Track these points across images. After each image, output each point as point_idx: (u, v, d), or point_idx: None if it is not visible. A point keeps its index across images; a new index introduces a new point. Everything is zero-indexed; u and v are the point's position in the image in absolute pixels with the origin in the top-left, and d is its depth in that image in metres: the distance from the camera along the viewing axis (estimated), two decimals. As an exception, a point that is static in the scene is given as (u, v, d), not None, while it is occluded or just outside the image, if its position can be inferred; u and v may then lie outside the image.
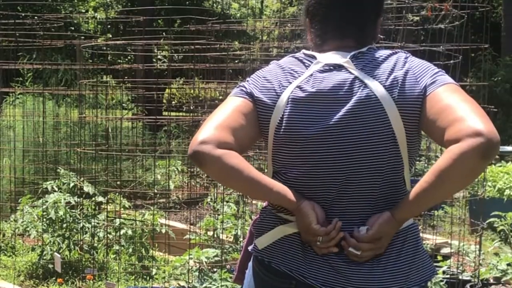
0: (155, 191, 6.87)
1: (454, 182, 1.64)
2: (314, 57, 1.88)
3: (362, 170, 1.77)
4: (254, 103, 1.86)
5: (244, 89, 1.89)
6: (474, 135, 1.58)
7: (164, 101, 15.67)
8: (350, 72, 1.80)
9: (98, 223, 5.30)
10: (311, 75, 1.83)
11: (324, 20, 1.92)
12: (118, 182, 6.61)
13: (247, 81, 1.93)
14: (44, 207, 5.28)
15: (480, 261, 4.72)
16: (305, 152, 1.80)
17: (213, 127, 1.76)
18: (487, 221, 5.50)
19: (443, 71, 1.84)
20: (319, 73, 1.83)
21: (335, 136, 1.77)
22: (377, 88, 1.76)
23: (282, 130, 1.82)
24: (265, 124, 1.85)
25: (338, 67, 1.82)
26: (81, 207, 5.32)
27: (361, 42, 1.89)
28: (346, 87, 1.78)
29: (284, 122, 1.81)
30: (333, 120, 1.77)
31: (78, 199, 5.39)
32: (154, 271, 5.02)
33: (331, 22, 1.91)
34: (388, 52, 1.86)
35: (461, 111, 1.64)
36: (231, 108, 1.83)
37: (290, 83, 1.83)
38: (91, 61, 10.19)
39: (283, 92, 1.83)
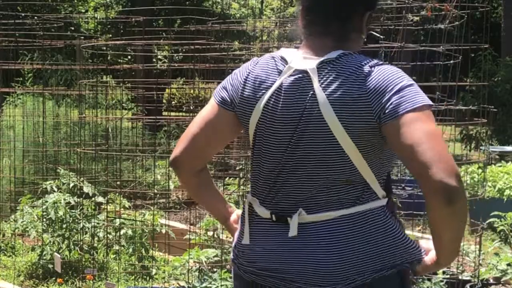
0: (155, 191, 6.87)
1: (450, 235, 1.77)
2: (286, 61, 1.91)
3: (313, 180, 1.86)
4: (234, 111, 1.97)
5: (223, 94, 2.00)
6: (436, 194, 1.67)
7: (164, 101, 15.67)
8: (311, 84, 1.84)
9: (98, 223, 5.30)
10: (280, 86, 1.89)
11: (310, 11, 1.95)
12: (118, 182, 6.60)
13: (229, 83, 2.01)
14: (44, 207, 5.28)
15: (480, 261, 4.72)
16: (267, 161, 1.93)
17: (184, 149, 2.02)
18: (487, 221, 5.50)
19: (409, 85, 1.79)
20: (286, 86, 1.88)
21: (290, 151, 1.87)
22: (327, 107, 1.80)
23: (256, 137, 1.94)
24: (246, 127, 1.97)
25: (306, 74, 1.86)
26: (81, 207, 5.32)
27: (342, 41, 1.90)
28: (305, 104, 1.84)
29: (257, 131, 1.93)
30: (290, 136, 1.86)
31: (78, 199, 5.38)
32: (154, 271, 5.02)
33: (316, 14, 1.93)
34: (355, 65, 1.84)
35: (421, 158, 1.68)
36: (205, 119, 2.01)
37: (264, 92, 1.91)
38: (91, 61, 10.17)
39: (258, 101, 1.91)
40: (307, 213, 1.86)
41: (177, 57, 12.90)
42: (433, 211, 1.71)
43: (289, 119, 1.86)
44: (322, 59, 1.86)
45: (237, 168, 8.05)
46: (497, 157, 9.35)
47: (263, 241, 1.94)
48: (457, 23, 4.70)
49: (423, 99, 1.77)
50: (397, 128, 1.74)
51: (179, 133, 10.14)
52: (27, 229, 5.43)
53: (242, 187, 6.12)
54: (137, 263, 5.19)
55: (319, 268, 1.83)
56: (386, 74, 1.81)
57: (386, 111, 1.76)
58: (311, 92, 1.84)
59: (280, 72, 1.90)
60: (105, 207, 5.29)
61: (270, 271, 1.90)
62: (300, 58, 1.90)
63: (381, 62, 1.86)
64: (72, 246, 5.25)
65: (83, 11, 20.57)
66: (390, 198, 1.92)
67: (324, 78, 1.83)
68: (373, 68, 1.82)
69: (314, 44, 1.92)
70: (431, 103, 1.79)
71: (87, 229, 5.29)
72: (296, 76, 1.87)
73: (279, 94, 1.88)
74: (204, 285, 4.14)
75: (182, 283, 4.51)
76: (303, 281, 1.85)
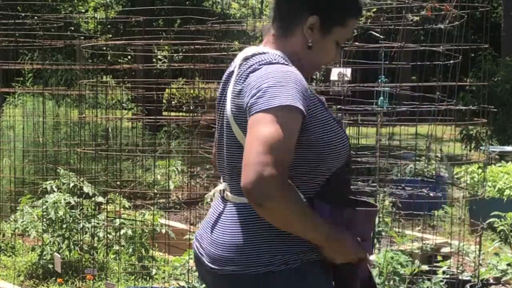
0: (155, 191, 6.87)
1: (289, 231, 1.82)
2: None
3: (230, 166, 1.98)
4: None
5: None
6: (245, 195, 1.72)
7: (164, 101, 15.66)
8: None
9: (98, 223, 5.30)
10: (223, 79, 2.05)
11: (271, 9, 2.08)
12: (118, 182, 6.60)
13: None
14: (44, 207, 5.28)
15: (480, 261, 4.72)
16: (216, 144, 2.09)
17: (214, 149, 2.15)
18: (487, 221, 5.50)
19: (271, 86, 1.79)
20: (223, 80, 2.04)
21: (220, 138, 2.03)
22: (228, 103, 1.94)
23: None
24: None
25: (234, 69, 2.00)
26: (81, 207, 5.32)
27: (280, 40, 1.98)
28: (225, 96, 1.99)
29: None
30: (219, 125, 2.03)
31: (78, 199, 5.38)
32: (154, 271, 5.02)
33: (271, 11, 2.06)
34: (255, 62, 1.90)
35: (243, 160, 1.73)
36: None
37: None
38: (91, 61, 10.18)
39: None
40: (230, 192, 1.98)
41: (177, 57, 12.91)
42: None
43: (219, 109, 2.03)
44: (244, 55, 1.96)
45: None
46: (497, 157, 9.33)
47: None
48: (457, 23, 4.70)
49: (279, 101, 1.75)
50: (249, 124, 1.79)
51: (179, 133, 10.16)
52: (27, 229, 5.43)
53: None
54: (137, 263, 5.18)
55: (213, 246, 1.95)
56: (261, 73, 1.85)
57: (247, 108, 1.82)
58: (225, 93, 1.99)
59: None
60: (105, 207, 5.29)
61: (198, 240, 2.08)
62: (242, 55, 2.01)
63: (275, 62, 1.87)
64: (72, 246, 5.25)
65: (83, 11, 20.58)
66: (313, 202, 1.88)
67: (238, 73, 1.94)
68: (259, 67, 1.88)
69: (264, 40, 2.04)
70: (289, 104, 1.75)
71: (87, 229, 5.29)
72: (230, 71, 2.02)
73: (220, 86, 2.06)
74: (204, 285, 4.14)
75: (182, 283, 4.51)
76: (205, 252, 1.99)
